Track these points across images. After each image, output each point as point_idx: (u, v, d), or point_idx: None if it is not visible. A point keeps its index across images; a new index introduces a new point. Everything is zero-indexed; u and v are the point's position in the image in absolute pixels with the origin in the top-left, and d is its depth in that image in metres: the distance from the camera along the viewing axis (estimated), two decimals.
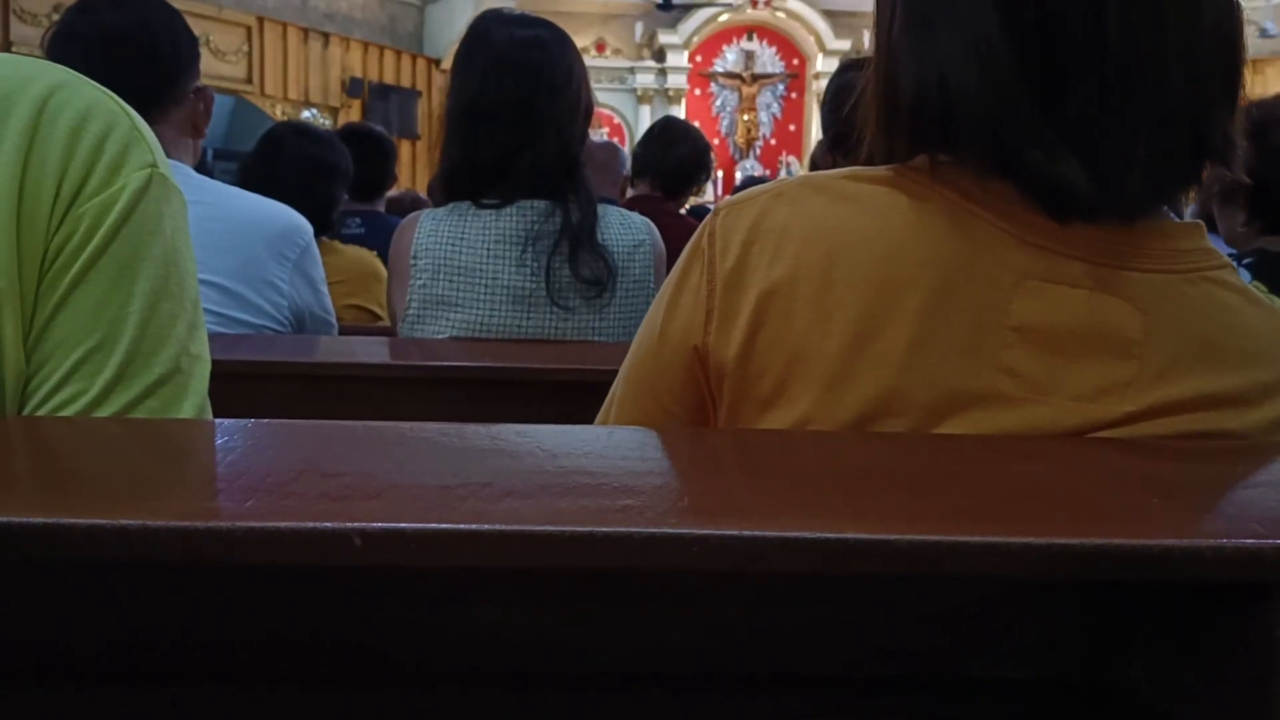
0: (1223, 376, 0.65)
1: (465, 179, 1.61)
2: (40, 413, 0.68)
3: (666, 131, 3.32)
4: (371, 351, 1.44)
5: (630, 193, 3.32)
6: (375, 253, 2.60)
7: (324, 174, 2.42)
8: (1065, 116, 0.65)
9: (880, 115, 0.75)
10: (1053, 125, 0.65)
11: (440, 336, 1.56)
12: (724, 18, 11.83)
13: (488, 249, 1.56)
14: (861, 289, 0.66)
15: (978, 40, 0.65)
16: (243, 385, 1.18)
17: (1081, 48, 0.64)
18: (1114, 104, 0.64)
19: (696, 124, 3.35)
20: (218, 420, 0.64)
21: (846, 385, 0.65)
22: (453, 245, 1.56)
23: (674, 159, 3.16)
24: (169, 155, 0.74)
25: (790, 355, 0.66)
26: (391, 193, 3.68)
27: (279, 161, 2.35)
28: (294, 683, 0.59)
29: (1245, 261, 1.70)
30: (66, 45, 1.54)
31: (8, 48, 7.05)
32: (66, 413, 0.68)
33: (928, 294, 0.65)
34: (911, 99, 0.70)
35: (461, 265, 1.55)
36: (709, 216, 0.73)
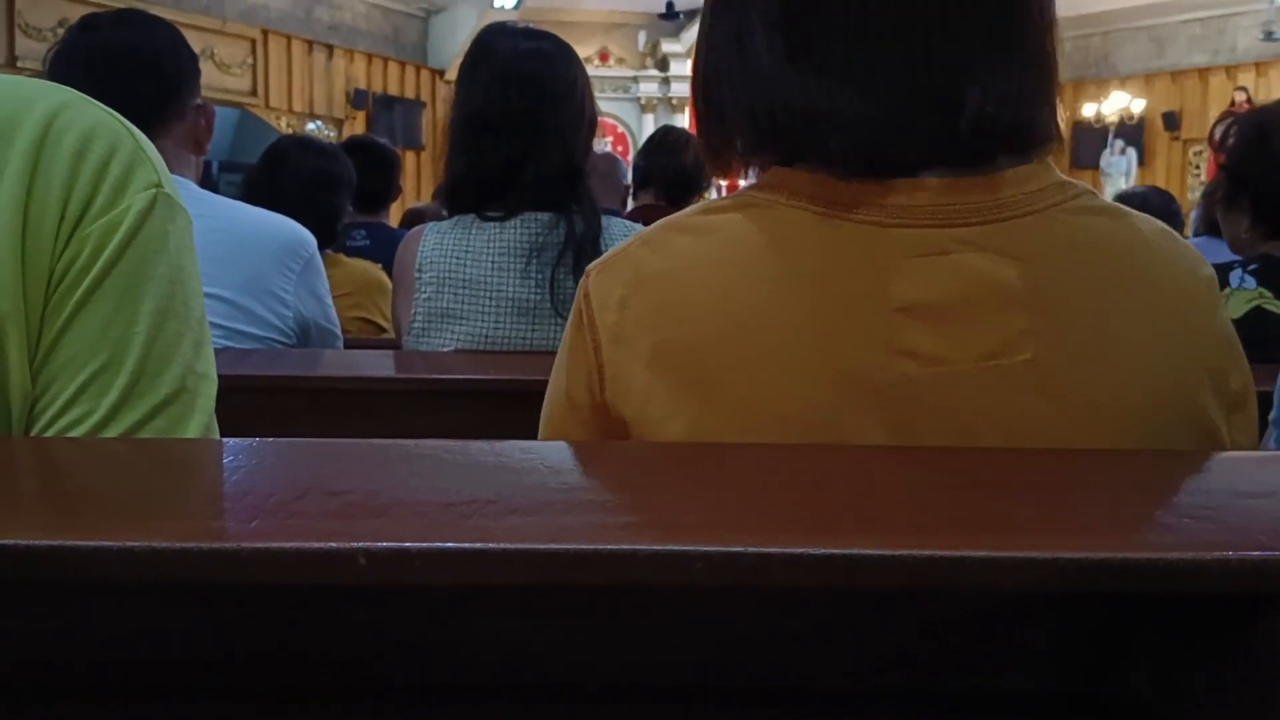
0: (1113, 301, 0.68)
1: (470, 190, 1.62)
2: (47, 434, 0.68)
3: (667, 139, 3.32)
4: (377, 365, 1.44)
5: (631, 204, 3.32)
6: (380, 265, 2.60)
7: (328, 186, 2.43)
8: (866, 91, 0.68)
9: (708, 133, 0.78)
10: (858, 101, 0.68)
11: (446, 349, 1.56)
12: None
13: (492, 261, 1.56)
14: (748, 316, 0.67)
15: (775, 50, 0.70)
16: (248, 399, 1.19)
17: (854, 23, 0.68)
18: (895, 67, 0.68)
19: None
20: (223, 439, 0.64)
21: (763, 407, 0.66)
22: (457, 258, 1.56)
23: (676, 166, 3.16)
24: (171, 171, 0.75)
25: (699, 392, 0.67)
26: (415, 204, 3.68)
27: (282, 175, 2.36)
28: (295, 699, 0.59)
29: (1250, 268, 1.70)
30: (68, 63, 1.55)
31: (13, 63, 7.08)
32: (73, 434, 0.68)
33: (811, 301, 0.67)
34: (737, 119, 0.74)
35: (466, 277, 1.55)
36: (583, 279, 0.75)
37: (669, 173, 3.16)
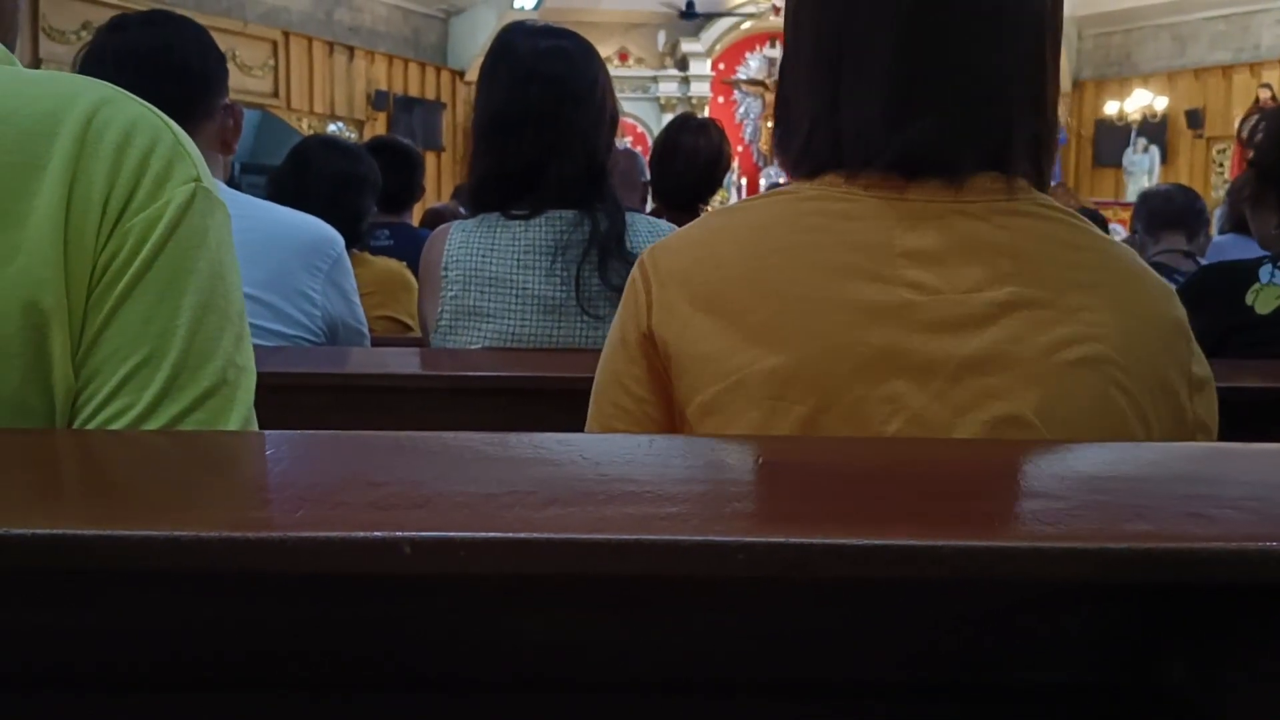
0: (1087, 274, 0.80)
1: (494, 190, 1.62)
2: (90, 426, 0.69)
3: (674, 151, 3.23)
4: (404, 362, 1.45)
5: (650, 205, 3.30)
6: (405, 264, 2.61)
7: (352, 186, 2.43)
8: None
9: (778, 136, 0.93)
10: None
11: (472, 347, 1.56)
12: (746, 25, 11.84)
13: (517, 259, 1.56)
14: (771, 260, 0.81)
15: (861, 76, 0.83)
16: (276, 397, 1.19)
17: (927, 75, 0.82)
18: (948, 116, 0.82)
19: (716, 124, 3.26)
20: (265, 431, 0.64)
21: (781, 328, 0.78)
22: (483, 256, 1.57)
23: (682, 180, 3.08)
24: None
25: (728, 318, 0.80)
26: (435, 204, 3.69)
27: (308, 175, 2.37)
28: (329, 691, 0.59)
29: None
30: (97, 64, 1.56)
31: (37, 65, 7.12)
32: (115, 426, 0.68)
33: (828, 248, 0.80)
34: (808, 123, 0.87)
35: (492, 276, 1.56)
36: (638, 260, 0.89)
37: (674, 185, 3.10)
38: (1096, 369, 0.76)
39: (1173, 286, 0.87)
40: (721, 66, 12.10)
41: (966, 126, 0.82)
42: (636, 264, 0.89)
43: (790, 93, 0.90)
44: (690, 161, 3.06)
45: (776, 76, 0.95)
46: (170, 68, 1.56)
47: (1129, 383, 0.77)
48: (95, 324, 0.69)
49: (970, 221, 0.80)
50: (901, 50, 0.81)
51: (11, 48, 0.78)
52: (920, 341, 0.76)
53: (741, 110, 12.30)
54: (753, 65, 12.16)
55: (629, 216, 1.63)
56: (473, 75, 9.66)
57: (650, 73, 11.97)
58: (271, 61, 9.19)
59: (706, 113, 11.91)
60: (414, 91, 10.72)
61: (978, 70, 0.82)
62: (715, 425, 0.80)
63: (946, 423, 0.74)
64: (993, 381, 0.75)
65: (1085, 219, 0.85)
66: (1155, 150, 11.07)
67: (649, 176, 3.33)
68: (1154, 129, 11.13)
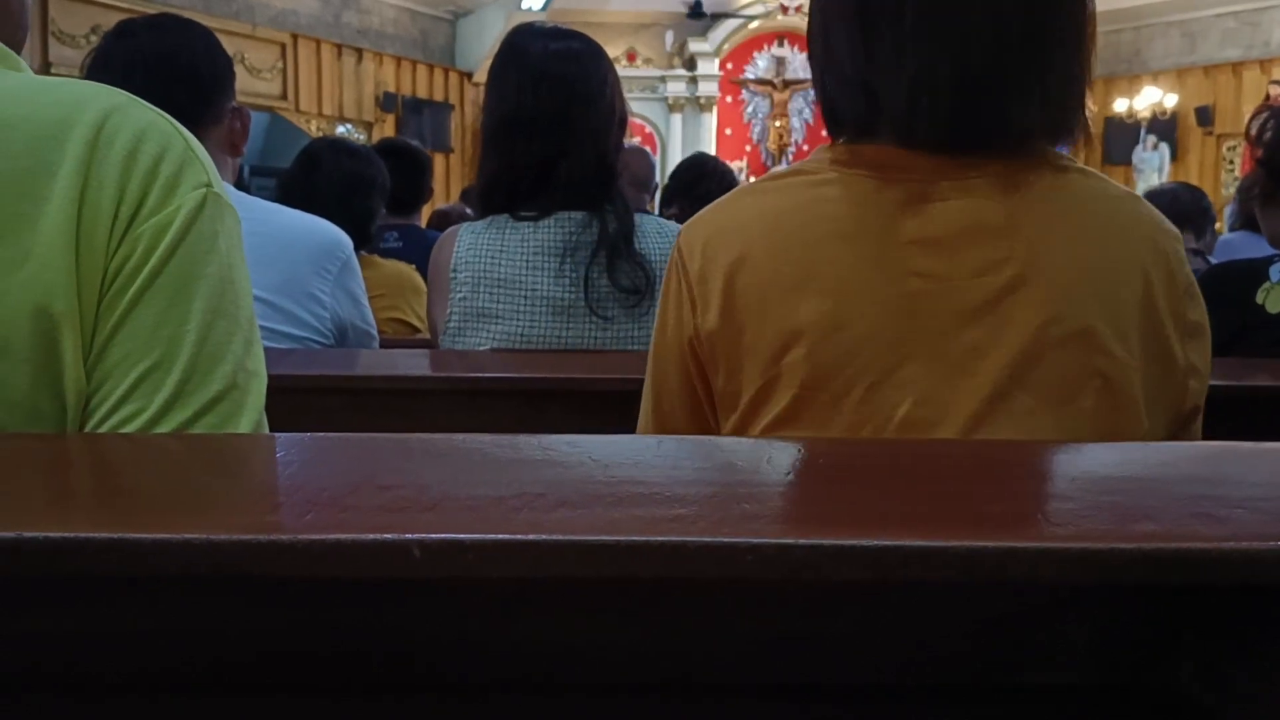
0: (1080, 232, 0.84)
1: (503, 191, 1.62)
2: (101, 430, 0.69)
3: (700, 173, 3.31)
4: (413, 364, 1.45)
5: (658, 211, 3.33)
6: (414, 266, 2.61)
7: (361, 188, 2.44)
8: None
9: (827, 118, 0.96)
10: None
11: (481, 348, 1.57)
12: (754, 24, 11.83)
13: (526, 261, 1.57)
14: (795, 247, 0.86)
15: (888, 56, 0.86)
16: (285, 399, 1.20)
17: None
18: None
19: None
20: (275, 434, 0.65)
21: (796, 313, 0.84)
22: (492, 258, 1.57)
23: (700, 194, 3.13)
24: None
25: (759, 309, 0.86)
26: (441, 205, 3.69)
27: (316, 177, 2.37)
28: (339, 694, 0.59)
29: None
30: (105, 69, 1.56)
31: (46, 69, 7.15)
32: (127, 430, 0.69)
33: (843, 238, 0.85)
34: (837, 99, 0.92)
35: (501, 277, 1.56)
36: (678, 236, 0.94)
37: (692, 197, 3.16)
38: (1084, 342, 0.80)
39: (1178, 232, 0.90)
40: (729, 66, 12.09)
41: (1000, 111, 0.85)
42: (674, 252, 0.94)
43: (822, 52, 0.94)
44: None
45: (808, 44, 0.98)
46: (178, 72, 1.57)
47: (1117, 348, 0.81)
48: (106, 329, 0.69)
49: (974, 201, 0.84)
50: (928, 16, 0.84)
51: (20, 50, 0.79)
52: (927, 329, 0.82)
53: (750, 110, 12.29)
54: (760, 65, 12.15)
55: (637, 217, 1.63)
56: (481, 76, 9.67)
57: (658, 73, 11.97)
58: (280, 64, 9.20)
59: (715, 112, 11.92)
60: (422, 93, 10.73)
61: (1017, 52, 0.84)
62: (765, 419, 0.85)
63: (949, 403, 0.80)
64: (990, 363, 0.80)
65: (1099, 175, 0.90)
66: (1165, 148, 11.02)
67: (657, 176, 3.35)
68: (1164, 126, 11.08)
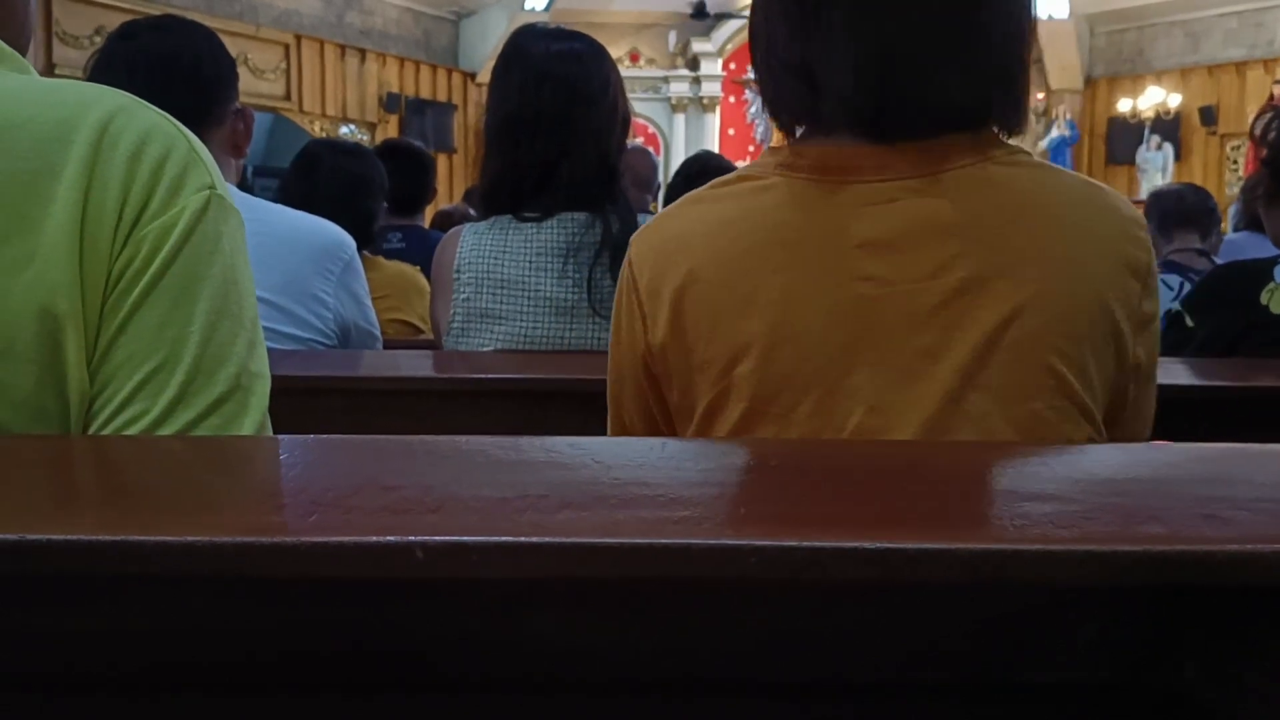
0: (1031, 228, 0.83)
1: (506, 192, 1.62)
2: (105, 432, 0.69)
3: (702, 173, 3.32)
4: (416, 365, 1.45)
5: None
6: (418, 268, 2.61)
7: (361, 188, 2.44)
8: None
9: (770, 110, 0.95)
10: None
11: (485, 349, 1.57)
12: None
13: (530, 261, 1.57)
14: (739, 258, 0.85)
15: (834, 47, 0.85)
16: (289, 400, 1.20)
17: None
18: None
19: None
20: (279, 436, 0.65)
21: (746, 324, 0.83)
22: (495, 259, 1.57)
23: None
24: None
25: (707, 324, 0.85)
26: (444, 206, 3.70)
27: (316, 179, 2.37)
28: (342, 695, 0.59)
29: None
30: (107, 71, 1.56)
31: (50, 70, 7.16)
32: (130, 431, 0.69)
33: (789, 247, 0.84)
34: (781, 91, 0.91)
35: (504, 278, 1.56)
36: (629, 248, 0.94)
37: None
38: (1038, 342, 0.80)
39: (1140, 216, 0.89)
40: (733, 66, 12.08)
41: (940, 85, 0.84)
42: (625, 263, 0.94)
43: (764, 44, 0.93)
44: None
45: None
46: (181, 74, 1.56)
47: (1069, 347, 0.80)
48: (110, 330, 0.69)
49: (924, 201, 0.83)
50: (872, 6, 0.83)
51: (25, 53, 0.79)
52: (877, 335, 0.81)
53: (753, 110, 12.26)
54: None
55: (640, 217, 1.63)
56: (484, 77, 9.67)
57: (661, 73, 11.97)
58: (283, 65, 9.21)
59: (718, 112, 11.91)
60: (425, 94, 10.74)
61: (956, 25, 0.84)
62: (719, 431, 0.85)
63: (903, 409, 0.79)
64: (943, 367, 0.79)
65: (1052, 166, 0.89)
66: (1169, 147, 11.01)
67: (659, 176, 3.35)
68: (1167, 126, 11.07)
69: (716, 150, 10.35)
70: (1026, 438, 0.77)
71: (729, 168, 3.43)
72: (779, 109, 0.92)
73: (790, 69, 0.88)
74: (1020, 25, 0.87)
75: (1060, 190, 0.86)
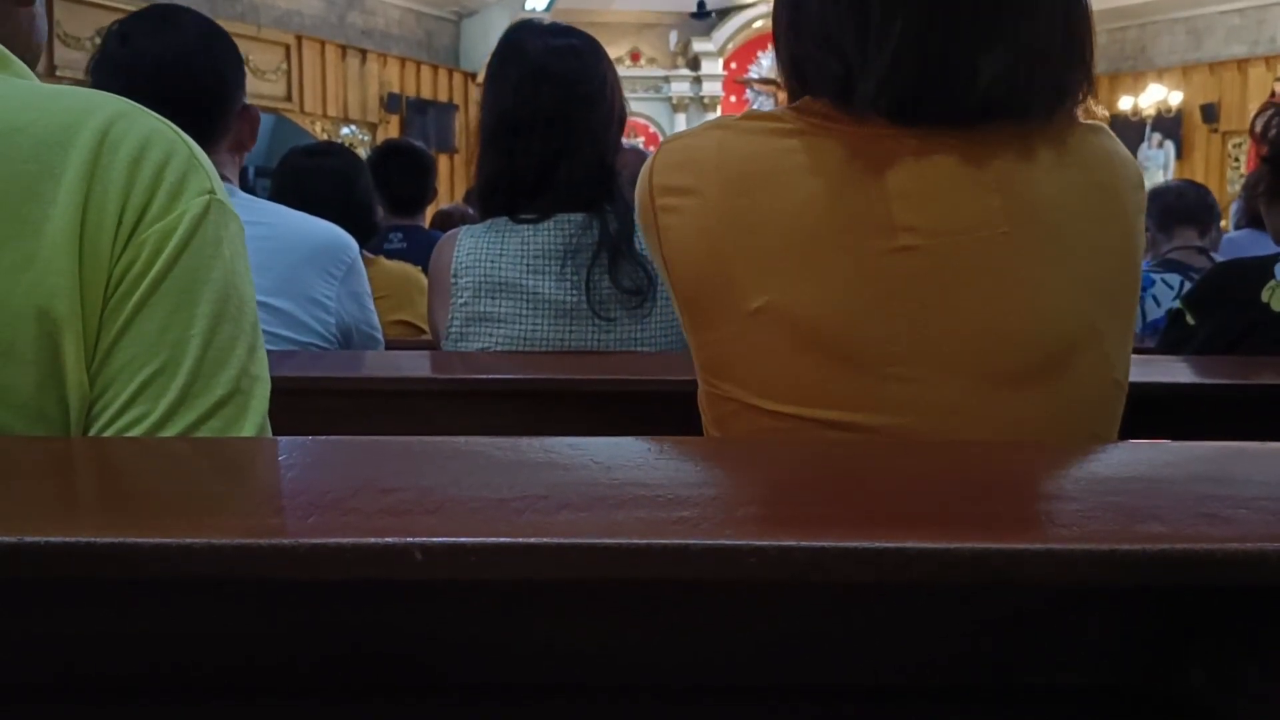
0: (1072, 193, 0.82)
1: (502, 192, 1.61)
2: (105, 434, 0.69)
3: None
4: (416, 366, 1.45)
5: None
6: (419, 268, 2.62)
7: (348, 183, 2.44)
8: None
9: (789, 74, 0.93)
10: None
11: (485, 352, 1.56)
12: (758, 24, 11.81)
13: (527, 264, 1.56)
14: (777, 190, 0.82)
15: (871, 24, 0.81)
16: (288, 401, 1.20)
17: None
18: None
19: None
20: (277, 437, 0.64)
21: (796, 279, 0.81)
22: (492, 261, 1.56)
23: None
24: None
25: (740, 278, 0.82)
26: (445, 206, 3.70)
27: (304, 185, 2.37)
28: (341, 698, 0.59)
29: None
30: (112, 73, 1.54)
31: (52, 72, 7.16)
32: (131, 434, 0.69)
33: (826, 195, 0.81)
34: (817, 66, 0.87)
35: (502, 281, 1.55)
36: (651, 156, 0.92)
37: None
38: (1078, 301, 0.81)
39: (1138, 165, 0.91)
40: (734, 66, 12.08)
41: (983, 70, 0.81)
42: (645, 200, 0.90)
43: (790, 12, 0.90)
44: None
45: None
46: (183, 77, 1.54)
47: (1103, 317, 0.82)
48: (111, 333, 0.69)
49: (957, 156, 0.82)
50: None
51: (34, 66, 0.79)
52: (924, 287, 0.79)
53: (754, 109, 12.27)
54: (765, 64, 12.12)
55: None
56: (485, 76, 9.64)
57: (662, 72, 11.96)
58: (284, 65, 9.21)
59: (719, 111, 11.90)
60: (426, 94, 10.74)
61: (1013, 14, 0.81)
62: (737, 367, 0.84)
63: (942, 367, 0.78)
64: (984, 325, 0.79)
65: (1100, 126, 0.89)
66: (1170, 145, 11.00)
67: None
68: (1169, 124, 11.06)
69: None
70: (1063, 406, 0.78)
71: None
72: (803, 81, 0.89)
73: (822, 42, 0.85)
74: (1064, 15, 0.84)
75: (1105, 158, 0.86)
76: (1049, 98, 0.84)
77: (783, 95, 0.95)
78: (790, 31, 0.90)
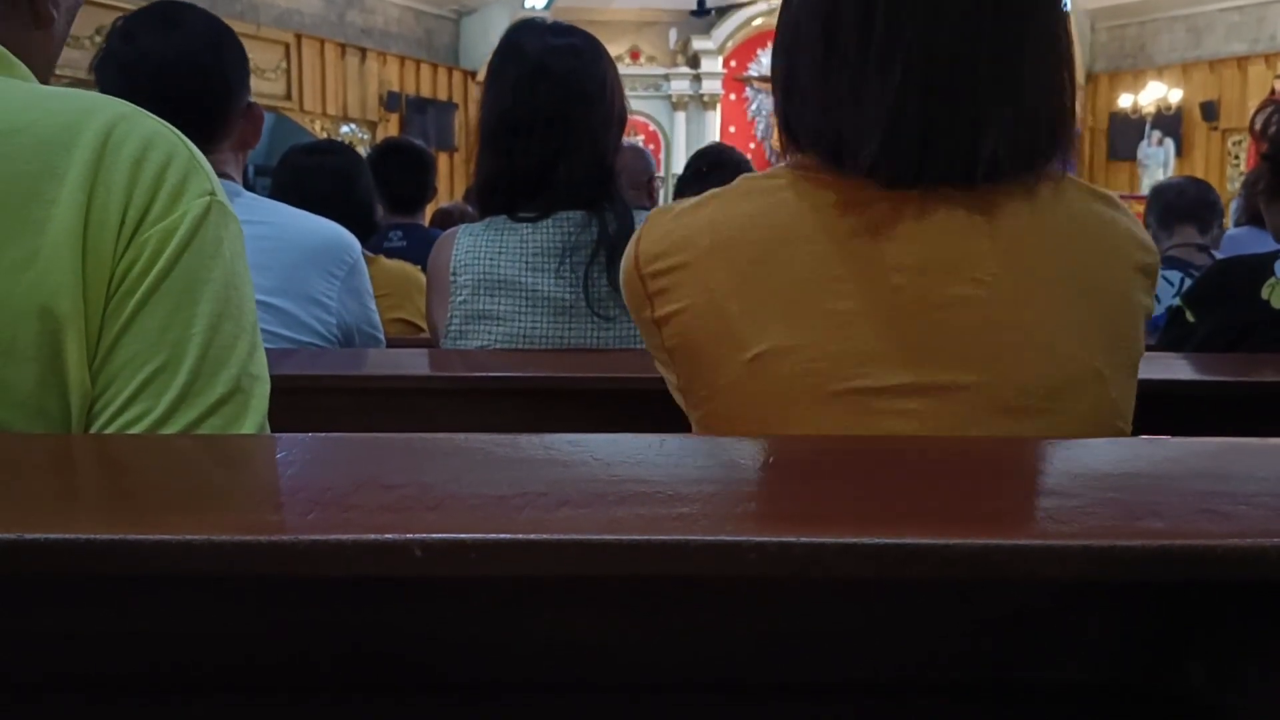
0: (1064, 244, 0.84)
1: (502, 191, 1.60)
2: (107, 431, 0.69)
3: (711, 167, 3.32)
4: (415, 364, 1.45)
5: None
6: (419, 266, 2.61)
7: (348, 181, 2.44)
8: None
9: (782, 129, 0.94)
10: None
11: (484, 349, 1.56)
12: (758, 22, 11.81)
13: (526, 262, 1.56)
14: (775, 245, 0.83)
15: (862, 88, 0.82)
16: (288, 399, 1.20)
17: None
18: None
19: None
20: (277, 434, 0.65)
21: (789, 319, 0.82)
22: (491, 260, 1.56)
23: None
24: (221, 173, 0.77)
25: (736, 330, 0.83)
26: (445, 204, 3.70)
27: (304, 184, 2.37)
28: (342, 693, 0.59)
29: None
30: (116, 73, 1.53)
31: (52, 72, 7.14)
32: (132, 432, 0.69)
33: (817, 243, 0.82)
34: (810, 129, 0.88)
35: (501, 279, 1.55)
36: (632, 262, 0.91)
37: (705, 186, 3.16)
38: (1062, 353, 0.80)
39: (1140, 229, 0.90)
40: (733, 64, 12.07)
41: (983, 138, 0.81)
42: (630, 270, 0.91)
43: (794, 76, 0.90)
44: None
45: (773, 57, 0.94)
46: (185, 78, 1.53)
47: (1107, 365, 0.82)
48: (112, 331, 0.70)
49: (953, 208, 0.82)
50: (895, 51, 0.80)
51: (46, 83, 0.80)
52: (912, 323, 0.80)
53: (754, 107, 12.27)
54: (764, 62, 12.10)
55: (637, 214, 1.62)
56: (485, 75, 9.63)
57: (662, 71, 11.96)
58: (284, 64, 9.21)
59: (719, 110, 11.91)
60: (426, 92, 10.74)
61: (997, 76, 0.81)
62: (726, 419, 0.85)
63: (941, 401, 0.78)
64: (981, 364, 0.79)
65: (1076, 182, 0.88)
66: (1170, 143, 11.00)
67: (653, 171, 3.35)
68: (1169, 121, 11.06)
69: None
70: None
71: (742, 160, 3.40)
72: (796, 141, 0.90)
73: (814, 112, 0.86)
74: (1060, 73, 0.84)
75: (1087, 214, 0.86)
76: (1048, 152, 0.85)
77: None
78: (782, 92, 0.91)
